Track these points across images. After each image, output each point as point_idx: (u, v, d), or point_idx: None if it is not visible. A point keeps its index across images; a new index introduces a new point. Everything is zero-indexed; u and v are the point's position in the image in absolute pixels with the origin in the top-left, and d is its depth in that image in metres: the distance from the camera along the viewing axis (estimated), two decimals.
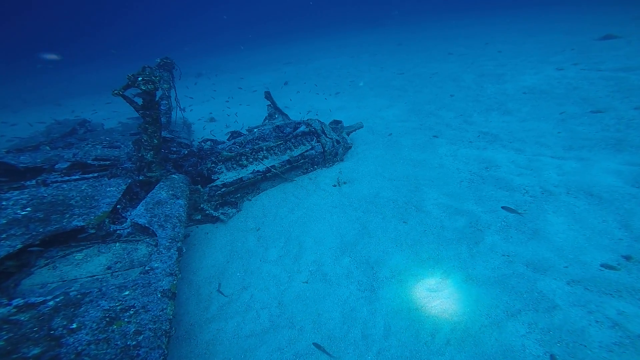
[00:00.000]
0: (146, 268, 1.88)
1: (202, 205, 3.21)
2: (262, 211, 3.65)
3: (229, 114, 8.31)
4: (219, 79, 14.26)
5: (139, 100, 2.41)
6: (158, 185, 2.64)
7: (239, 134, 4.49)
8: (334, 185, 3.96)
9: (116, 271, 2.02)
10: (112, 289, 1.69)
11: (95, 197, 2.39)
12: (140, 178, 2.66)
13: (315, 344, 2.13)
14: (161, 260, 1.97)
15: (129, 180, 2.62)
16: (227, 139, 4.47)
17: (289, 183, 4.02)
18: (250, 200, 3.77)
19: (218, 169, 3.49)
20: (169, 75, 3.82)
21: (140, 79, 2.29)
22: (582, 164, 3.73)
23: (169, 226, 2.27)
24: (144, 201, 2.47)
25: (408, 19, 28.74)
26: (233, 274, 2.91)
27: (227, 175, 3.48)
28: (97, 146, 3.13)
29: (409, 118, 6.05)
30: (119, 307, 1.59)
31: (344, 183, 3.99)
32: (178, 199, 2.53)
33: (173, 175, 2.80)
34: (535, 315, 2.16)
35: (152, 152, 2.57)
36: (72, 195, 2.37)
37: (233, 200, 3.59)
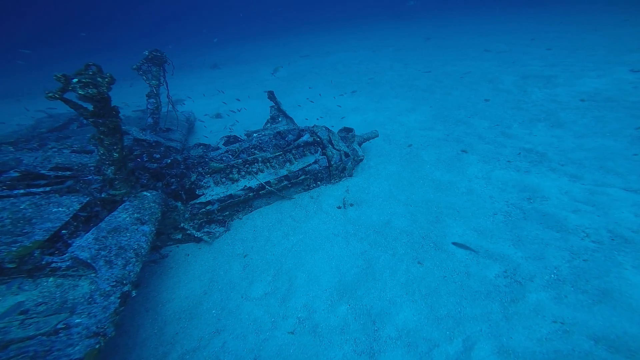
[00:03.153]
0: (58, 325, 1.46)
1: (182, 225, 2.87)
2: (253, 233, 3.27)
3: (234, 110, 8.01)
4: (232, 71, 14.09)
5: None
6: (122, 205, 2.29)
7: (236, 139, 4.11)
8: (339, 207, 3.49)
9: (31, 317, 1.55)
10: None
11: (33, 221, 2.01)
12: (102, 196, 2.32)
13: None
14: (89, 313, 1.55)
15: (87, 198, 2.27)
16: (223, 144, 4.11)
17: (286, 201, 3.60)
18: (241, 218, 3.39)
19: (205, 182, 3.13)
20: (159, 70, 3.48)
21: (75, 80, 1.87)
22: None
23: (119, 262, 1.90)
24: (95, 227, 2.11)
25: (438, 12, 27.20)
26: (208, 310, 2.55)
27: (215, 191, 3.11)
28: (65, 150, 2.81)
29: (433, 126, 5.42)
30: None
31: (351, 205, 3.51)
32: (144, 224, 2.16)
33: (145, 193, 2.44)
34: None
35: (113, 168, 2.20)
36: (1, 217, 2.00)
37: (220, 218, 3.23)
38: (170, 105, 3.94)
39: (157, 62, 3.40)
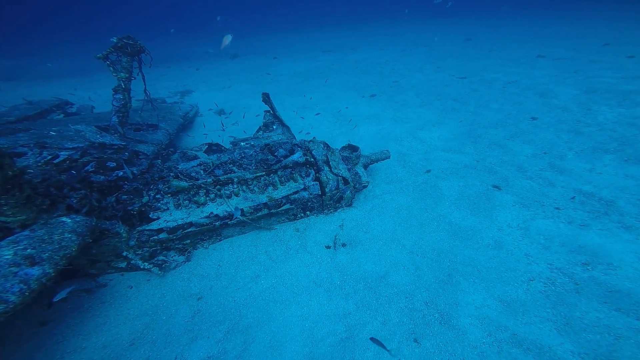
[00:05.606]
0: None
1: (125, 253, 2.48)
2: (217, 269, 2.83)
3: (240, 106, 7.71)
4: (251, 62, 13.90)
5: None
6: (14, 236, 1.87)
7: (218, 148, 3.70)
8: (328, 247, 2.97)
9: None
10: None
11: None
12: None
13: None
14: None
15: None
16: (204, 152, 3.72)
17: (265, 231, 3.12)
18: (206, 248, 2.97)
19: (163, 203, 2.73)
20: (130, 61, 3.11)
21: None
22: None
23: None
24: None
25: (483, 11, 25.56)
26: None
27: (173, 216, 2.70)
28: None
29: (461, 147, 4.71)
30: None
31: (343, 246, 2.97)
32: (34, 265, 1.71)
33: (63, 219, 2.04)
34: None
35: None
36: None
37: (180, 246, 2.81)
38: (148, 100, 3.60)
39: (129, 52, 3.05)
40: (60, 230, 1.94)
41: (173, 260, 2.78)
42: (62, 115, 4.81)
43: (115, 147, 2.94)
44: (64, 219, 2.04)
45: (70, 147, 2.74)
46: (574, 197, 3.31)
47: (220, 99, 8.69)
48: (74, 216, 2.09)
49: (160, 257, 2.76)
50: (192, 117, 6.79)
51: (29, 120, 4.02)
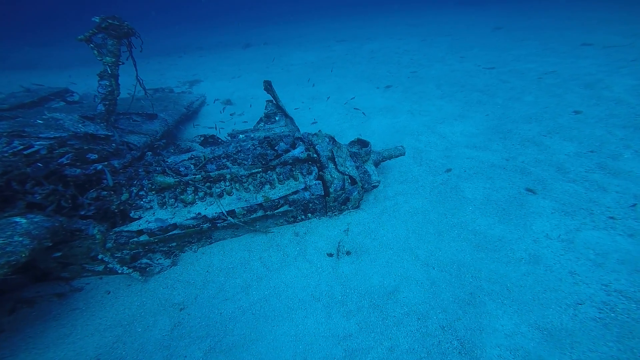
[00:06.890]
0: None
1: (100, 256, 2.27)
2: (204, 276, 2.58)
3: (248, 96, 7.48)
4: (262, 52, 13.69)
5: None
6: None
7: (215, 140, 3.45)
8: (330, 255, 2.65)
9: None
10: None
11: None
12: None
13: None
14: None
15: None
16: (200, 144, 3.49)
17: (261, 234, 2.84)
18: (195, 251, 2.72)
19: (147, 201, 2.49)
20: (117, 44, 2.88)
21: None
22: None
23: None
24: None
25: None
26: None
27: (157, 215, 2.46)
28: None
29: (487, 144, 4.24)
30: None
31: (347, 254, 2.65)
32: None
33: (16, 219, 1.83)
34: None
35: None
36: None
37: (166, 249, 2.58)
38: (141, 87, 3.39)
39: (116, 34, 2.83)
40: (8, 233, 1.74)
41: (158, 263, 2.56)
42: (62, 104, 4.74)
43: (101, 137, 2.74)
44: (17, 218, 1.83)
45: (51, 136, 2.56)
46: (634, 205, 2.81)
47: (229, 89, 8.53)
48: (32, 216, 1.89)
49: (144, 260, 2.54)
50: (198, 107, 6.61)
51: (24, 108, 3.95)
